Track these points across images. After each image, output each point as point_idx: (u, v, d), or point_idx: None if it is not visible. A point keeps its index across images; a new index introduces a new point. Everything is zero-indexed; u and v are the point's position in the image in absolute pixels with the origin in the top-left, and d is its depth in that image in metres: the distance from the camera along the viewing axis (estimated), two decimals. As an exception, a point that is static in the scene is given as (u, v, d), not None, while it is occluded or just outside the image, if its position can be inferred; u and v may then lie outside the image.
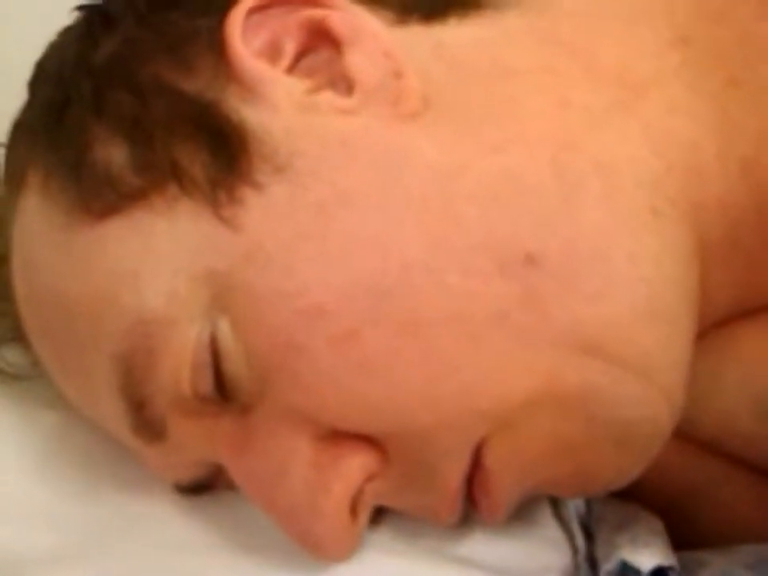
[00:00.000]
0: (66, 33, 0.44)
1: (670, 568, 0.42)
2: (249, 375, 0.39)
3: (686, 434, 0.44)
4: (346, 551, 0.41)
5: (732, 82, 0.42)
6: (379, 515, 0.43)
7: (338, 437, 0.39)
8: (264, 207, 0.38)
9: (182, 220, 0.39)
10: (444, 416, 0.38)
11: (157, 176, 0.39)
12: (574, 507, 0.46)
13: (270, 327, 0.38)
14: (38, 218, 0.42)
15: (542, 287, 0.38)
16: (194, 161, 0.39)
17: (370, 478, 0.40)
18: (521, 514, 0.44)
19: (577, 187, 0.40)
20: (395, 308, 0.38)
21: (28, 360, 0.48)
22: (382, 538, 0.43)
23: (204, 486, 0.44)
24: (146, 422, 0.40)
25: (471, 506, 0.42)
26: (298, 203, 0.38)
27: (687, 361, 0.41)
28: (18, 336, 0.47)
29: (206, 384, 0.39)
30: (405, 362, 0.38)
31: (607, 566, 0.43)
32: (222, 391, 0.39)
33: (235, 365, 0.38)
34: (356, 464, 0.39)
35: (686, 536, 0.45)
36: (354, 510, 0.40)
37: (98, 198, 0.39)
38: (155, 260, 0.39)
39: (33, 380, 0.48)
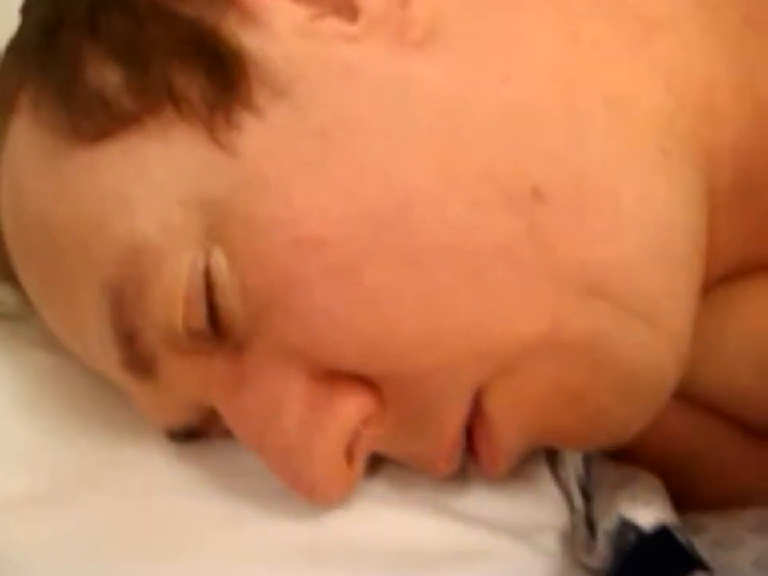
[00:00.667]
0: None
1: (672, 527, 0.41)
2: (243, 309, 0.38)
3: (686, 394, 0.44)
4: (339, 495, 0.40)
5: (749, 22, 0.42)
6: (376, 466, 0.42)
7: (333, 377, 0.38)
8: (263, 132, 0.37)
9: (177, 145, 0.38)
10: (443, 356, 0.38)
11: (152, 99, 0.38)
12: (572, 468, 0.46)
13: (266, 258, 0.37)
14: (27, 142, 0.41)
15: (548, 223, 0.38)
16: (191, 84, 0.38)
17: (366, 421, 0.39)
18: (518, 472, 0.44)
19: (585, 121, 0.39)
20: (396, 240, 0.37)
21: (18, 299, 0.47)
22: (376, 487, 0.42)
23: (196, 434, 0.43)
24: (136, 356, 0.39)
25: (472, 457, 0.41)
26: (297, 129, 0.37)
27: (693, 311, 0.40)
28: (7, 275, 0.46)
29: (199, 318, 0.38)
30: (404, 297, 0.37)
31: (606, 524, 0.43)
32: (216, 326, 0.38)
33: (230, 298, 0.37)
34: (352, 405, 0.38)
35: (684, 499, 0.44)
36: (350, 455, 0.39)
37: (90, 120, 0.38)
38: (148, 186, 0.38)
39: (24, 320, 0.47)
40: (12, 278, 0.45)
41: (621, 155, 0.39)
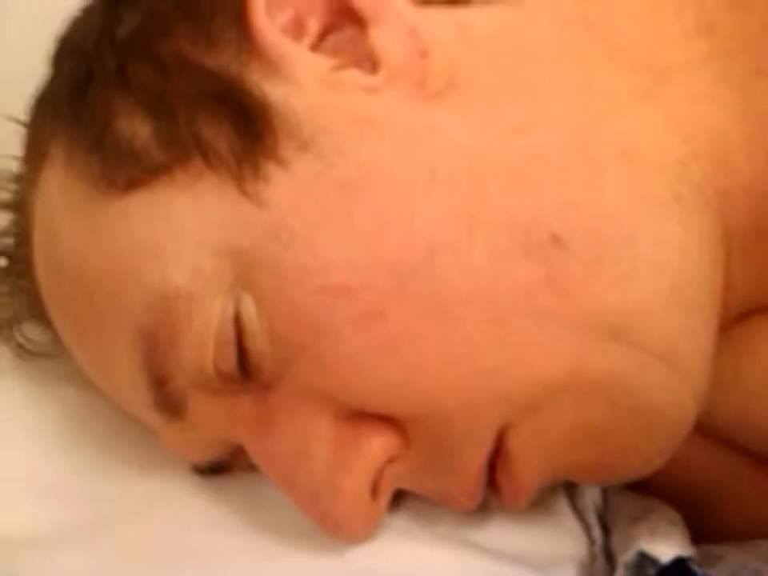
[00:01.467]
0: (89, 8, 0.44)
1: (689, 558, 0.42)
2: (271, 353, 0.38)
3: (704, 429, 0.44)
4: (365, 532, 0.41)
5: (759, 71, 0.42)
6: (398, 500, 0.43)
7: (359, 417, 0.39)
8: (289, 183, 0.38)
9: (206, 195, 0.39)
10: (466, 399, 0.38)
11: (180, 150, 0.39)
12: (591, 500, 0.46)
13: (294, 305, 0.38)
14: (60, 192, 0.42)
15: (567, 270, 0.38)
16: (218, 136, 0.39)
17: (390, 460, 0.40)
18: (537, 505, 0.44)
19: (601, 170, 0.40)
20: (420, 288, 0.38)
21: (48, 337, 0.48)
22: (400, 521, 0.43)
23: (222, 467, 0.44)
24: (167, 398, 0.40)
25: (493, 492, 0.42)
26: (322, 180, 0.38)
27: (711, 350, 0.41)
28: (37, 314, 0.47)
29: (229, 361, 0.39)
30: (428, 343, 0.38)
31: (625, 557, 0.43)
32: (245, 369, 0.39)
33: (258, 343, 0.38)
34: (377, 445, 0.39)
35: (702, 531, 0.45)
36: (374, 491, 0.40)
37: (122, 171, 0.39)
38: (179, 235, 0.39)
39: (52, 357, 0.48)
40: (42, 317, 0.46)
41: (636, 203, 0.40)
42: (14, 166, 0.48)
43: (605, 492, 0.46)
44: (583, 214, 0.39)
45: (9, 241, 0.48)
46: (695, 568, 0.41)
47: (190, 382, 0.39)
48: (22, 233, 0.45)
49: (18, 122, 0.46)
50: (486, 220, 0.38)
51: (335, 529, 0.40)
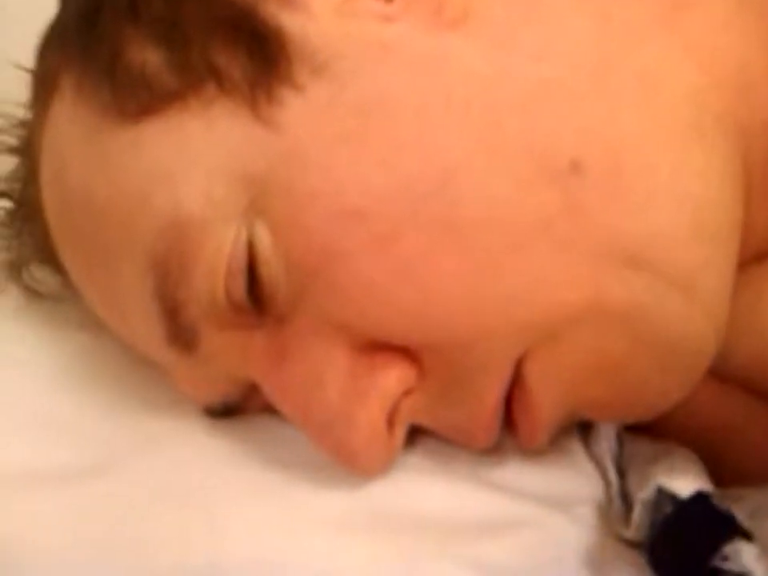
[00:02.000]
0: None
1: (709, 493, 0.42)
2: (285, 281, 0.38)
3: (720, 371, 0.44)
4: (380, 465, 0.41)
5: None
6: (414, 439, 0.43)
7: (375, 348, 0.39)
8: (303, 108, 0.38)
9: (219, 121, 0.38)
10: (483, 326, 0.38)
11: (193, 76, 0.38)
12: (606, 445, 0.46)
13: (308, 230, 0.37)
14: (70, 122, 0.41)
15: (586, 196, 0.38)
16: (232, 62, 0.38)
17: (406, 392, 0.40)
18: (553, 448, 0.44)
19: (619, 97, 0.39)
20: (435, 212, 0.37)
21: (57, 280, 0.48)
22: (415, 459, 0.43)
23: (234, 409, 0.44)
24: (179, 329, 0.39)
25: (510, 430, 0.41)
26: (337, 104, 0.38)
27: (730, 285, 0.41)
28: (46, 257, 0.46)
29: (241, 290, 0.38)
30: (444, 267, 0.37)
31: (642, 494, 0.43)
32: (258, 298, 0.39)
33: (272, 269, 0.38)
34: (393, 375, 0.39)
35: (718, 476, 0.44)
36: (390, 424, 0.40)
37: (133, 98, 0.39)
38: (191, 161, 0.38)
39: (62, 301, 0.48)
40: (53, 261, 0.46)
41: (655, 131, 0.39)
42: (19, 113, 0.48)
43: (620, 438, 0.46)
44: (601, 141, 0.39)
45: (16, 185, 0.48)
46: (716, 502, 0.41)
47: (202, 313, 0.39)
48: (29, 173, 0.45)
49: (22, 68, 0.46)
50: (504, 146, 0.38)
51: (350, 460, 0.40)
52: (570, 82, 0.39)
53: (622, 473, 0.45)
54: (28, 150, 0.46)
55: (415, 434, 0.43)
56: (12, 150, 0.48)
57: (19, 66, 0.46)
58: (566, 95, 0.39)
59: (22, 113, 0.48)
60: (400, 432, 0.41)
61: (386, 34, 0.39)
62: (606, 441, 0.46)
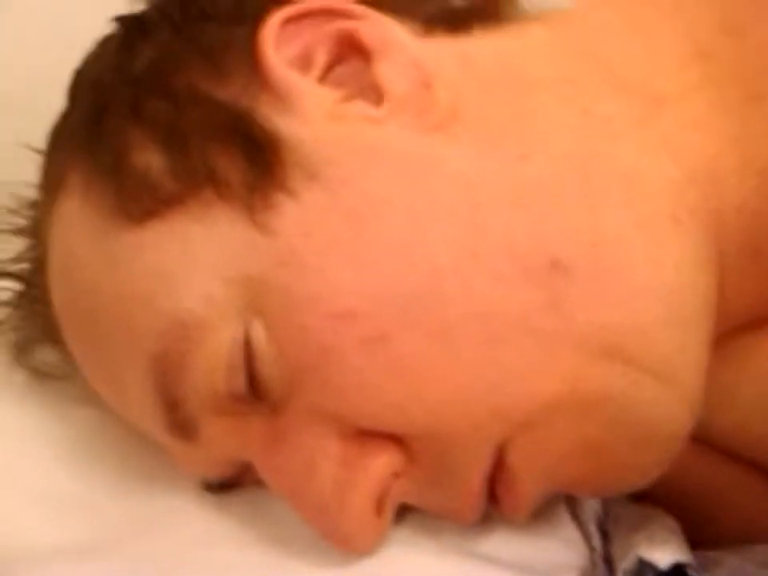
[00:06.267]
0: (104, 42, 0.45)
1: (687, 565, 0.43)
2: (280, 376, 0.40)
3: (703, 439, 0.45)
4: (370, 545, 0.42)
5: (753, 96, 0.43)
6: (403, 513, 0.44)
7: (364, 436, 0.40)
8: (298, 213, 0.40)
9: (217, 225, 0.40)
10: (467, 417, 0.40)
11: (193, 181, 0.40)
12: (591, 509, 0.47)
13: (303, 329, 0.39)
14: (77, 222, 0.43)
15: (567, 293, 0.40)
16: (230, 167, 0.40)
17: (395, 476, 0.41)
18: (539, 514, 0.45)
19: (600, 196, 0.41)
20: (424, 312, 0.39)
21: (62, 360, 0.49)
22: (405, 534, 0.44)
23: (231, 484, 0.45)
24: (180, 421, 0.41)
25: (493, 505, 0.43)
26: (329, 210, 0.40)
27: (704, 365, 0.42)
28: (52, 338, 0.48)
29: (240, 384, 0.40)
30: (431, 365, 0.39)
31: (624, 563, 0.44)
32: (255, 391, 0.40)
33: (268, 366, 0.40)
34: (382, 462, 0.40)
35: (700, 538, 0.46)
36: (379, 506, 0.41)
37: (137, 202, 0.41)
38: (191, 263, 0.40)
39: (67, 380, 0.49)
40: (56, 341, 0.47)
41: (636, 227, 0.41)
42: (29, 192, 0.49)
43: (605, 502, 0.47)
44: (583, 239, 0.40)
45: (25, 266, 0.49)
46: (693, 573, 0.43)
47: (201, 405, 0.41)
48: (38, 259, 0.47)
49: (32, 149, 0.48)
50: (487, 247, 0.40)
51: (342, 542, 0.41)
52: (552, 183, 0.41)
53: (606, 536, 0.47)
54: (36, 235, 0.47)
55: (404, 509, 0.44)
56: (20, 232, 0.50)
57: (30, 148, 0.48)
58: (547, 195, 0.41)
59: (31, 193, 0.49)
60: (389, 513, 0.42)
61: (375, 138, 0.40)
62: (590, 506, 0.47)
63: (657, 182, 0.42)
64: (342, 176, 0.40)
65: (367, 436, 0.40)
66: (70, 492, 0.46)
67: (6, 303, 0.50)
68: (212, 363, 0.40)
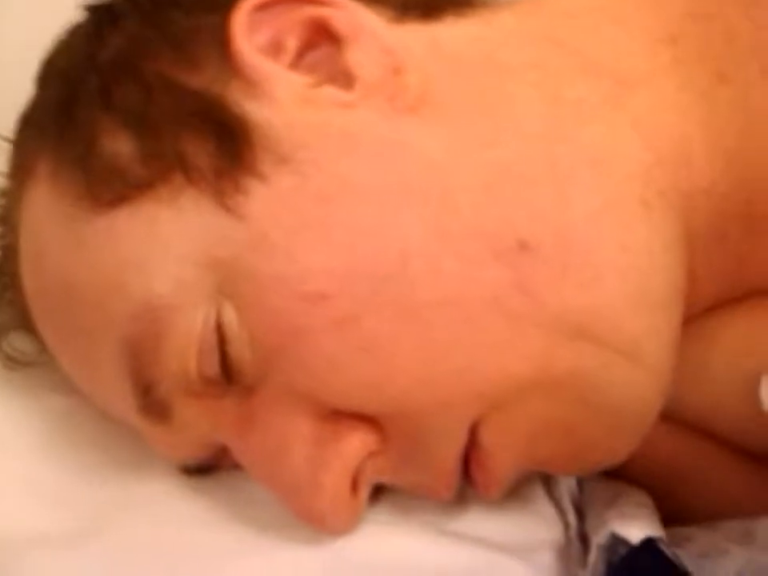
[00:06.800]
0: (73, 30, 0.45)
1: (658, 539, 0.44)
2: (252, 358, 0.40)
3: (674, 417, 0.46)
4: (346, 525, 0.43)
5: (720, 78, 0.43)
6: (378, 492, 0.45)
7: (337, 416, 0.41)
8: (267, 197, 0.40)
9: (187, 209, 0.40)
10: (439, 396, 0.40)
11: (163, 166, 0.40)
12: (565, 487, 0.48)
13: (274, 312, 0.39)
14: (46, 208, 0.43)
15: (535, 274, 0.40)
16: (199, 152, 0.40)
17: (369, 456, 0.41)
18: (514, 492, 0.46)
19: (568, 179, 0.41)
20: (394, 293, 0.39)
21: (34, 347, 0.49)
22: (380, 513, 0.45)
23: (208, 467, 0.45)
24: (153, 403, 0.41)
25: (468, 483, 0.43)
26: (300, 193, 0.40)
27: (674, 345, 0.43)
28: (24, 324, 0.48)
29: (212, 367, 0.40)
30: (403, 344, 0.39)
31: (598, 539, 0.45)
32: (227, 373, 0.41)
33: (239, 348, 0.40)
34: (355, 442, 0.41)
35: (674, 515, 0.47)
36: (354, 486, 0.42)
37: (106, 187, 0.41)
38: (162, 248, 0.40)
39: (39, 366, 0.49)
40: (28, 328, 0.47)
41: (604, 209, 0.41)
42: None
43: (579, 480, 0.48)
44: (551, 221, 0.41)
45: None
46: (664, 548, 0.43)
47: (174, 388, 0.41)
48: (8, 246, 0.47)
49: (2, 138, 0.48)
50: (457, 229, 0.40)
51: (317, 523, 0.42)
52: (522, 166, 0.41)
53: (581, 514, 0.47)
54: (6, 222, 0.47)
55: (379, 489, 0.44)
56: None
57: (2, 137, 0.48)
58: (518, 178, 0.41)
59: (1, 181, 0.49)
60: (364, 492, 0.43)
61: (346, 122, 0.41)
62: (565, 483, 0.48)
63: (626, 164, 0.42)
64: (312, 159, 0.40)
65: (341, 416, 0.41)
66: (45, 480, 0.46)
67: (-24, 291, 0.50)
68: (184, 346, 0.40)
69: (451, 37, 0.44)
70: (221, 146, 0.40)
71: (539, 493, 0.48)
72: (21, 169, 0.45)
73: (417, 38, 0.43)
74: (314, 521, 0.42)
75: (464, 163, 0.41)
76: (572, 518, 0.47)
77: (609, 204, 0.41)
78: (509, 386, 0.40)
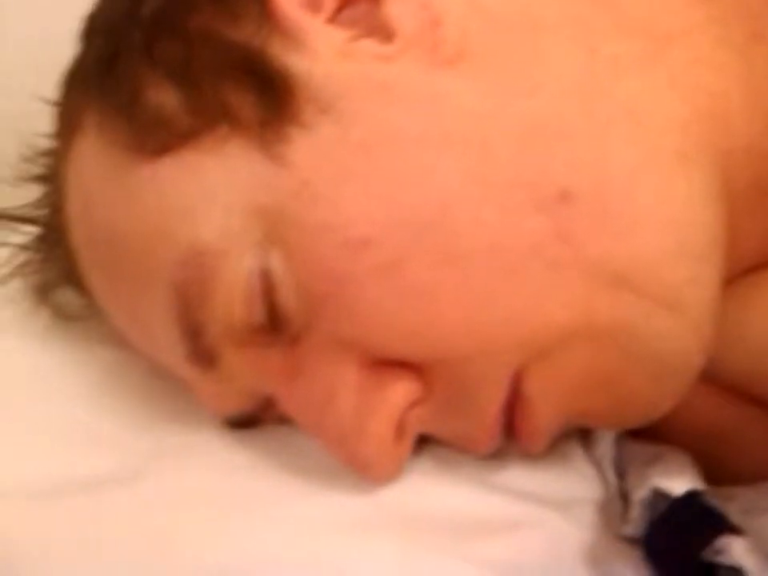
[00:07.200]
0: None
1: (702, 492, 0.44)
2: (298, 305, 0.41)
3: (712, 378, 0.46)
4: (391, 472, 0.43)
5: (755, 36, 0.44)
6: (421, 445, 0.45)
7: (382, 364, 0.41)
8: (310, 145, 0.40)
9: (232, 158, 0.41)
10: (482, 343, 0.40)
11: (207, 117, 0.41)
12: (605, 447, 0.48)
13: (319, 258, 0.40)
14: (93, 160, 0.44)
15: (575, 222, 0.40)
16: (243, 103, 0.41)
17: (413, 404, 0.42)
18: (553, 451, 0.46)
19: (606, 131, 0.41)
20: (435, 240, 0.40)
21: (81, 302, 0.50)
22: (423, 464, 0.45)
23: (252, 421, 0.46)
24: (200, 349, 0.42)
25: (511, 435, 0.44)
26: (342, 141, 0.40)
27: (716, 300, 0.43)
28: (72, 280, 0.49)
29: (257, 314, 0.41)
30: (445, 291, 0.40)
31: (639, 494, 0.45)
32: (273, 321, 0.41)
33: (285, 295, 0.41)
34: (400, 389, 0.41)
35: (713, 477, 0.46)
36: (398, 434, 0.42)
37: (152, 138, 0.41)
38: (207, 196, 0.41)
39: (88, 320, 0.50)
40: (76, 283, 0.48)
41: (641, 160, 0.41)
42: (42, 142, 0.51)
43: (618, 442, 0.48)
44: (589, 170, 0.41)
45: (43, 212, 0.51)
46: (707, 500, 0.43)
47: (221, 334, 0.42)
48: (56, 202, 0.48)
49: (45, 101, 0.48)
50: (497, 178, 0.40)
51: (363, 469, 0.42)
52: (561, 116, 0.41)
53: (620, 474, 0.47)
54: (53, 180, 0.48)
55: (422, 442, 0.45)
56: (37, 179, 0.51)
57: (42, 99, 0.49)
58: (556, 129, 0.41)
59: (45, 143, 0.50)
60: (408, 441, 0.43)
61: (386, 74, 0.41)
62: (604, 444, 0.48)
63: (663, 118, 0.42)
64: (353, 109, 0.41)
65: (385, 365, 0.41)
66: (97, 426, 0.47)
67: (26, 248, 0.52)
68: (230, 293, 0.41)
69: None
70: (263, 96, 0.41)
71: (578, 452, 0.48)
72: (67, 124, 0.45)
73: None
74: (360, 467, 0.42)
75: (503, 114, 0.41)
76: (611, 476, 0.47)
77: (646, 156, 0.42)
78: (550, 333, 0.40)
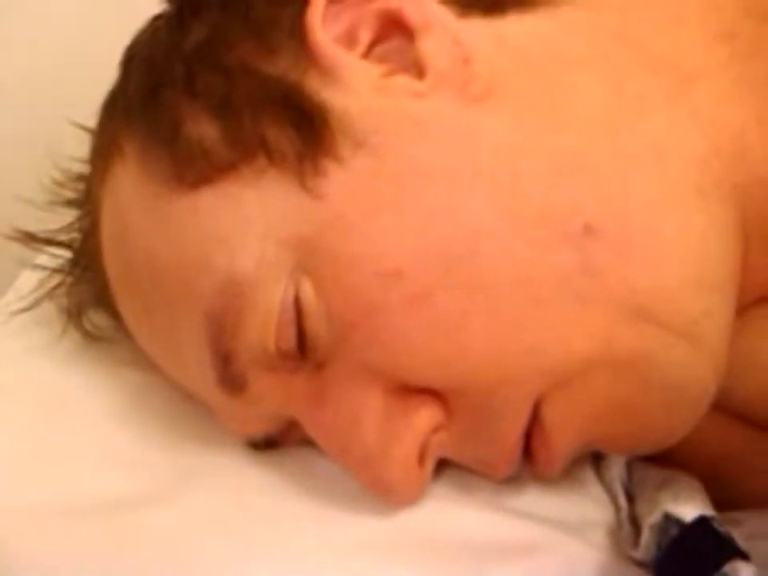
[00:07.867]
0: (155, 20, 0.48)
1: (712, 518, 0.45)
2: (327, 332, 0.42)
3: (722, 406, 0.47)
4: (413, 496, 0.44)
5: None
6: (439, 469, 0.46)
7: (407, 391, 0.43)
8: (345, 179, 0.42)
9: (269, 190, 0.42)
10: (506, 373, 0.42)
11: (246, 149, 0.42)
12: (616, 472, 0.49)
13: (350, 288, 0.41)
14: (133, 188, 0.45)
15: (600, 256, 0.42)
16: (281, 136, 0.42)
17: (436, 430, 0.43)
18: (566, 476, 0.47)
19: (630, 166, 0.43)
20: (465, 272, 0.41)
21: (110, 324, 0.51)
22: (442, 489, 0.46)
23: (275, 442, 0.47)
24: (230, 375, 0.43)
25: (528, 460, 0.45)
26: (376, 176, 0.42)
27: (729, 329, 0.44)
28: (103, 302, 0.50)
29: (289, 340, 0.42)
30: (472, 322, 0.41)
31: (650, 519, 0.46)
32: (302, 347, 0.42)
33: (316, 323, 0.42)
34: (424, 416, 0.43)
35: (721, 502, 0.47)
36: (421, 459, 0.43)
37: (192, 169, 0.43)
38: (245, 226, 0.42)
39: (117, 342, 0.51)
40: (106, 306, 0.49)
41: (663, 195, 0.43)
42: (73, 166, 0.52)
43: (629, 466, 0.49)
44: (614, 205, 0.42)
45: (75, 235, 0.52)
46: (717, 526, 0.44)
47: (251, 360, 0.43)
48: (89, 226, 0.49)
49: (77, 125, 0.50)
50: (525, 212, 0.42)
51: (387, 493, 0.43)
52: (587, 152, 0.43)
53: (631, 498, 0.48)
54: (88, 204, 0.49)
55: (440, 465, 0.46)
56: (68, 203, 0.52)
57: (76, 125, 0.50)
58: (583, 164, 0.43)
59: (77, 167, 0.52)
60: (429, 466, 0.44)
61: (419, 110, 0.42)
62: (616, 468, 0.49)
63: (684, 154, 0.44)
64: (387, 144, 0.42)
65: (409, 391, 0.43)
66: (122, 447, 0.48)
67: (58, 271, 0.53)
68: (264, 320, 0.42)
69: (515, 32, 0.45)
70: (301, 130, 0.42)
71: (590, 476, 0.49)
72: (106, 151, 0.47)
73: (483, 31, 0.45)
74: (383, 491, 0.43)
75: (532, 149, 0.42)
76: (623, 500, 0.48)
77: (668, 191, 0.43)
78: (573, 363, 0.42)
